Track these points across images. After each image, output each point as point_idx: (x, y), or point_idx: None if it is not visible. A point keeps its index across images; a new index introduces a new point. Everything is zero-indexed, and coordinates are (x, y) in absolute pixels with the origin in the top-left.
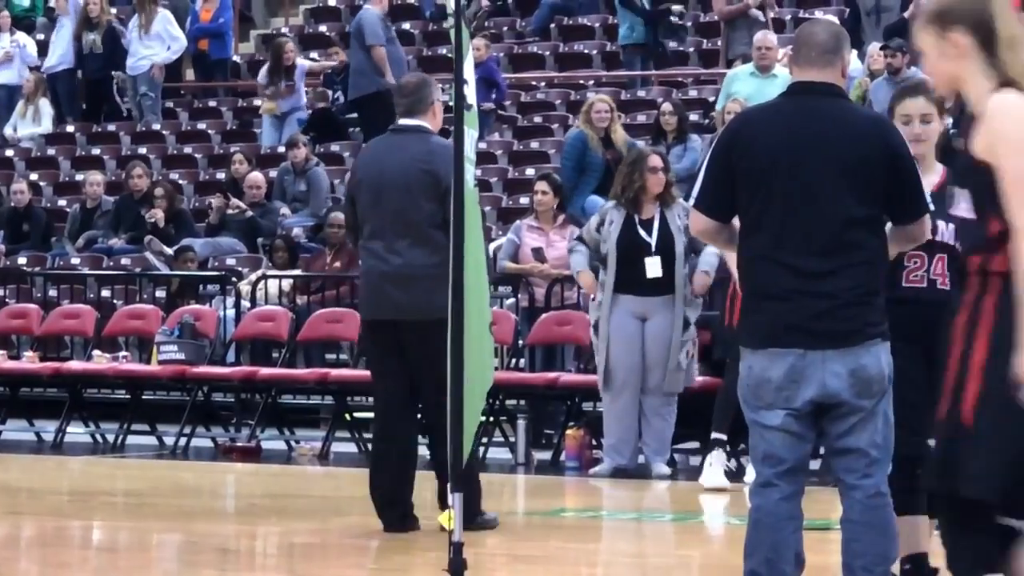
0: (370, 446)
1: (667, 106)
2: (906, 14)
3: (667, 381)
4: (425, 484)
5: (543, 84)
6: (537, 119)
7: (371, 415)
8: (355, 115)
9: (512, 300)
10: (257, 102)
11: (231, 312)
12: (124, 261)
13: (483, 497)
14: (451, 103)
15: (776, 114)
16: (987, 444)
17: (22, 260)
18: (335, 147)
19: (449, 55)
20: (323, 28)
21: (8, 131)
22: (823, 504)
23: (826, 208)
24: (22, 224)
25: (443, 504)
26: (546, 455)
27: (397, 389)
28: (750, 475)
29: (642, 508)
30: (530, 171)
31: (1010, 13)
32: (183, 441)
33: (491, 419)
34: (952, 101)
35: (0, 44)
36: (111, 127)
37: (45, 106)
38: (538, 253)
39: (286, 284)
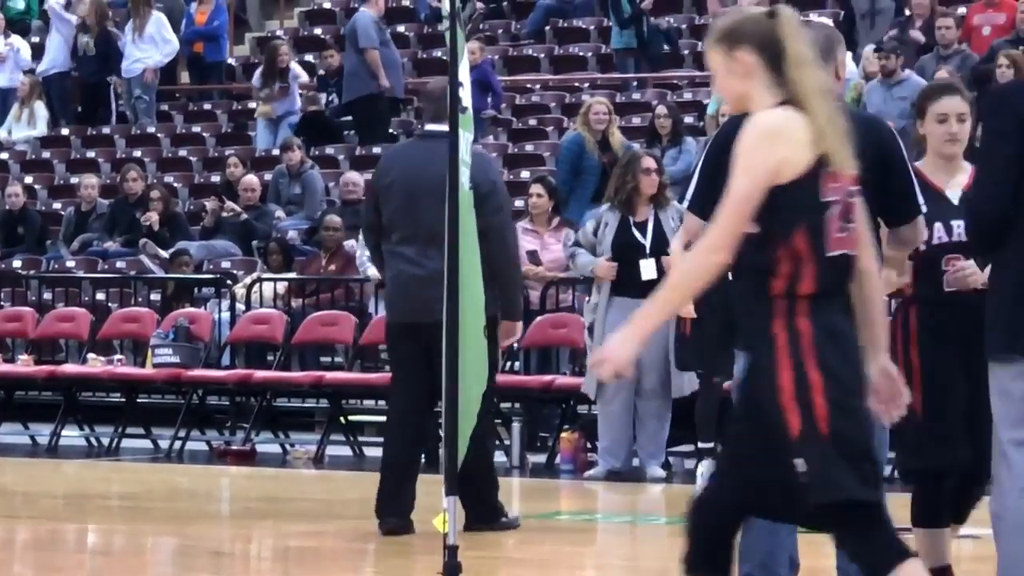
0: (386, 447)
1: (661, 109)
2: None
3: (673, 386)
4: (418, 488)
5: (538, 87)
6: (532, 122)
7: (366, 418)
8: (349, 118)
9: None
10: (252, 105)
11: (226, 315)
12: (119, 264)
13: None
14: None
15: None
16: (849, 448)
17: (17, 263)
18: (330, 150)
19: (444, 58)
20: (318, 31)
21: (3, 134)
22: None
23: None
24: (17, 227)
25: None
26: (541, 458)
27: (421, 393)
28: None
29: (637, 511)
30: (525, 174)
31: (797, 32)
32: (178, 444)
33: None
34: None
35: None
36: (106, 130)
37: (40, 109)
38: (533, 256)
39: (281, 287)
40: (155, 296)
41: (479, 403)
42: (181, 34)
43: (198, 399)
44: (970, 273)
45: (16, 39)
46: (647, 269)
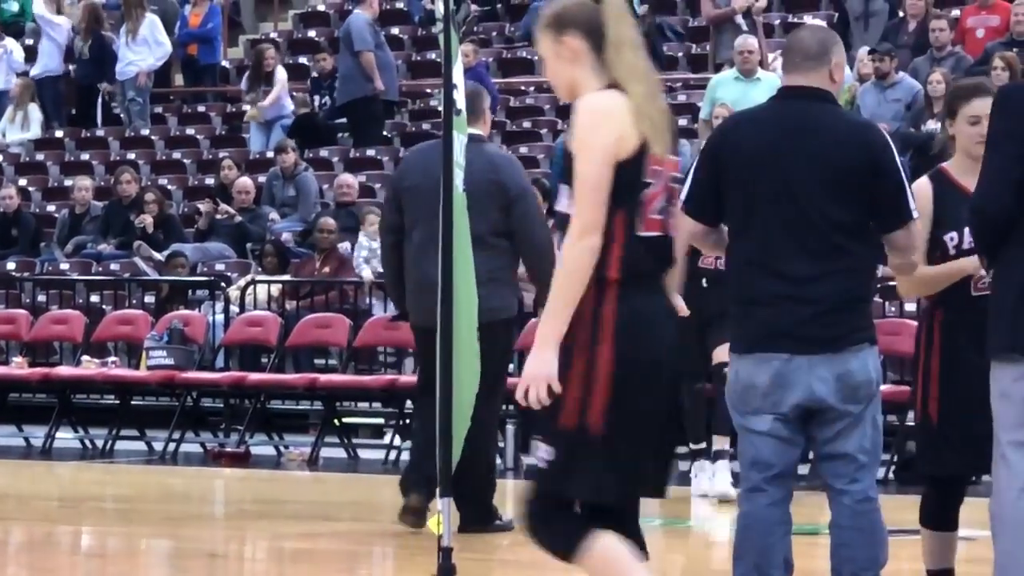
0: (413, 446)
1: None
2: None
3: None
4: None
5: (532, 89)
6: (526, 124)
7: (360, 420)
8: (343, 120)
9: None
10: (245, 107)
11: (220, 317)
12: (113, 267)
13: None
14: (440, 108)
15: (762, 119)
16: (616, 449)
17: (11, 265)
18: (323, 152)
19: (438, 60)
20: (312, 33)
21: None
22: (812, 509)
23: (810, 213)
24: (11, 229)
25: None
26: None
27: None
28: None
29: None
30: None
31: (621, 16)
32: (172, 447)
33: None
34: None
35: None
36: (100, 133)
37: (34, 111)
38: None
39: (275, 289)
40: (149, 298)
41: (472, 405)
42: (175, 36)
43: (192, 401)
44: None
45: (10, 41)
46: None
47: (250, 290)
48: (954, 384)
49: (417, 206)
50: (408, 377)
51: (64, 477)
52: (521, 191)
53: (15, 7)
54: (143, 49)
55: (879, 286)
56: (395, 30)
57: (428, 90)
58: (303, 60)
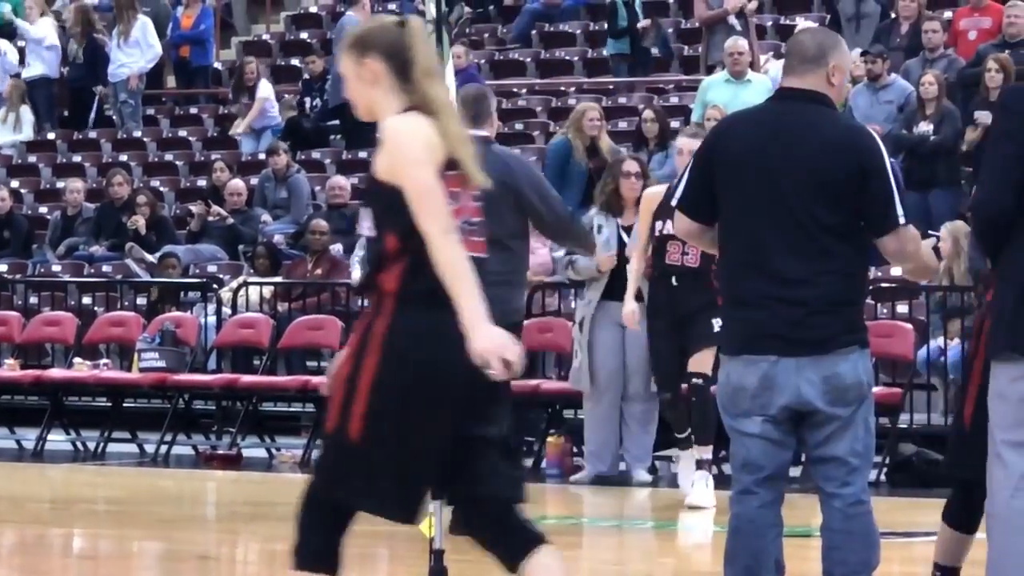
0: None
1: (648, 113)
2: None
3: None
4: None
5: (524, 91)
6: (518, 126)
7: None
8: (335, 122)
9: None
10: (231, 95)
11: (212, 319)
12: (105, 268)
13: None
14: None
15: (755, 120)
16: (371, 459)
17: (2, 267)
18: (316, 154)
19: None
20: (304, 35)
21: None
22: (803, 511)
23: (799, 216)
24: (3, 231)
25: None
26: (527, 462)
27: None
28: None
29: (623, 515)
30: None
31: (424, 42)
32: (164, 449)
33: None
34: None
35: None
36: (92, 134)
37: (26, 113)
38: None
39: (267, 291)
40: (141, 300)
41: None
42: (167, 38)
43: (184, 403)
44: None
45: (3, 43)
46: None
47: (242, 292)
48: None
49: None
50: None
51: (56, 479)
52: (535, 189)
53: (7, 8)
54: (135, 51)
55: (871, 288)
56: None
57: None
58: (295, 61)
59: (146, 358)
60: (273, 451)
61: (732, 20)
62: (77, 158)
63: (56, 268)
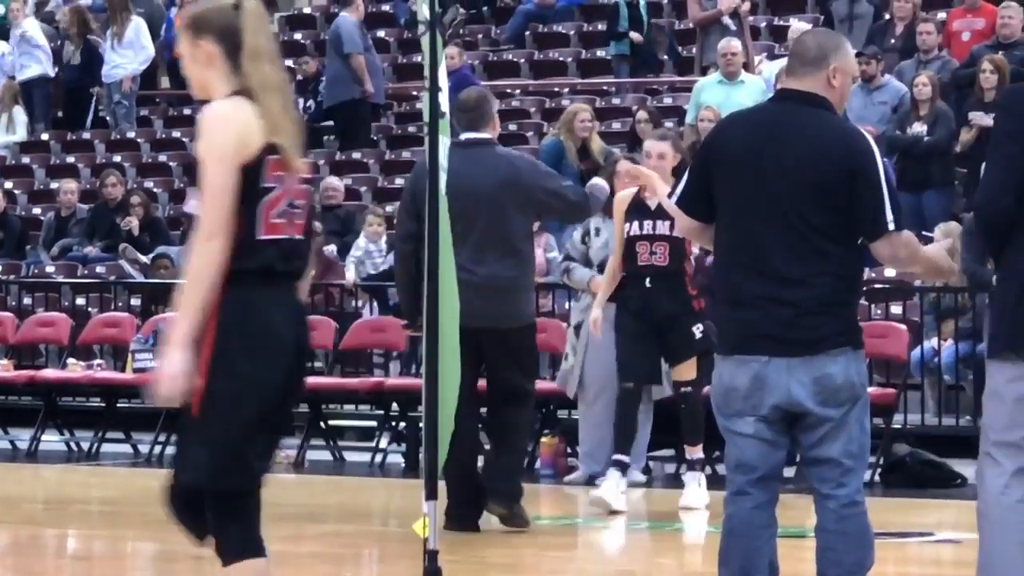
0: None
1: (642, 113)
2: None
3: (653, 389)
4: (398, 493)
5: (518, 92)
6: (512, 127)
7: (346, 423)
8: (329, 123)
9: None
10: None
11: None
12: (99, 269)
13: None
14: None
15: (752, 120)
16: (204, 435)
17: None
18: (309, 155)
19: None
20: (298, 36)
21: None
22: (798, 512)
23: (791, 217)
24: None
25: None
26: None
27: (466, 397)
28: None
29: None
30: None
31: (258, 25)
32: (158, 449)
33: None
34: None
35: None
36: (86, 135)
37: (19, 114)
38: None
39: None
40: (135, 301)
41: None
42: (161, 38)
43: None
44: None
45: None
46: None
47: None
48: None
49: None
50: (394, 379)
51: (50, 480)
52: (543, 189)
53: (1, 9)
54: (129, 52)
55: (865, 288)
56: (381, 33)
57: (414, 92)
58: (289, 63)
59: (140, 359)
60: None
61: (726, 21)
62: (71, 159)
63: (50, 269)
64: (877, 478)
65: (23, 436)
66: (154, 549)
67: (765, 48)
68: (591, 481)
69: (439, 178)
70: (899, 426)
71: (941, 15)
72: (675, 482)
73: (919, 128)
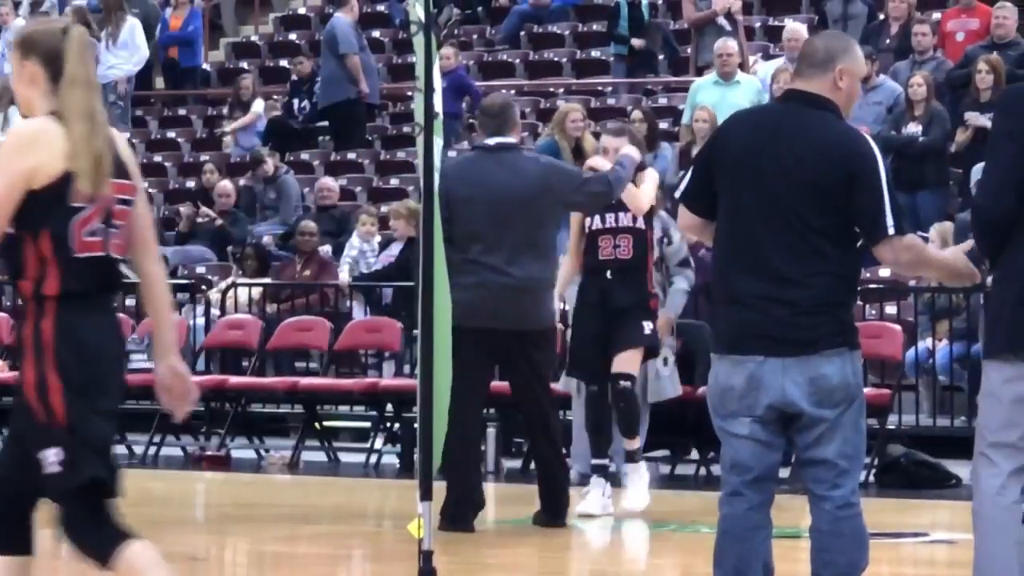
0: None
1: (637, 114)
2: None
3: (651, 390)
4: (393, 493)
5: (513, 92)
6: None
7: (341, 424)
8: (324, 123)
9: None
10: (227, 111)
11: (201, 321)
12: None
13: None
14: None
15: (755, 120)
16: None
17: None
18: (304, 155)
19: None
20: (293, 36)
21: None
22: (792, 512)
23: (789, 217)
24: None
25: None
26: (516, 463)
27: (482, 399)
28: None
29: (613, 516)
30: None
31: (80, 52)
32: (153, 450)
33: None
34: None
35: None
36: None
37: (14, 114)
38: None
39: (256, 292)
40: (130, 302)
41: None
42: (156, 39)
43: None
44: None
45: None
46: None
47: (231, 293)
48: None
49: (475, 216)
50: (389, 380)
51: None
52: (573, 188)
53: None
54: (123, 53)
55: (859, 289)
56: (376, 33)
57: (409, 93)
58: (284, 63)
59: (135, 359)
60: (262, 452)
61: (721, 21)
62: None
63: None
64: (872, 478)
65: None
66: None
67: (760, 48)
68: (584, 481)
69: (433, 179)
70: (894, 427)
71: (936, 15)
72: (670, 483)
73: (914, 128)
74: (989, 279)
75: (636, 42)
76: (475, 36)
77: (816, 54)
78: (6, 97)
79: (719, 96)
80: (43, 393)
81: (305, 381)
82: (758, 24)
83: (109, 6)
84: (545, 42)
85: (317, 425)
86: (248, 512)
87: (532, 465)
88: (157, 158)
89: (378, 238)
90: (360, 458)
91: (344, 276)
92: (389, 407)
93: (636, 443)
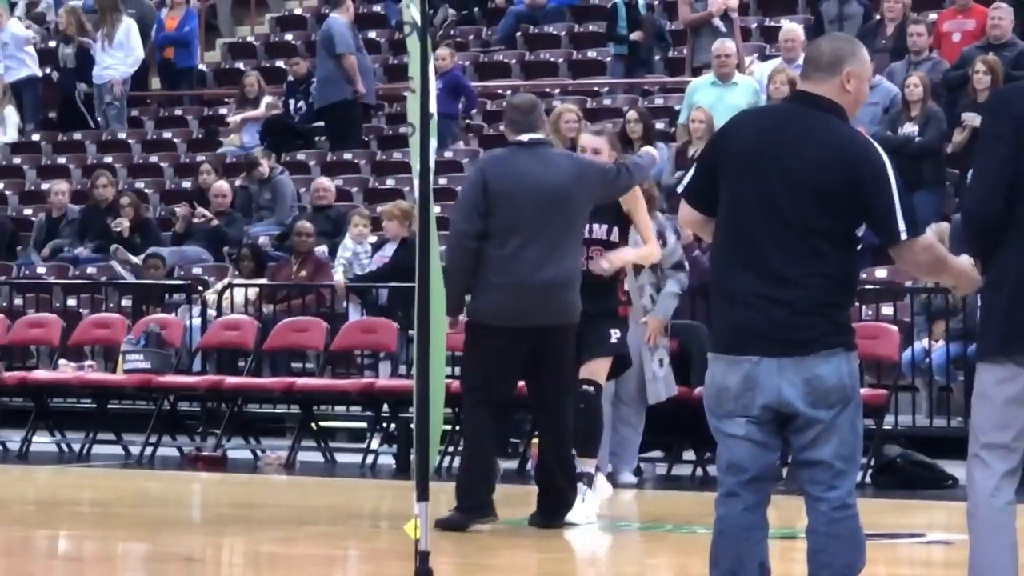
0: (467, 447)
1: (632, 114)
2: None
3: (648, 392)
4: (389, 494)
5: (509, 93)
6: (503, 128)
7: (337, 424)
8: (320, 123)
9: None
10: (223, 111)
11: (197, 321)
12: (90, 270)
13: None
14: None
15: (760, 120)
16: None
17: None
18: (300, 156)
19: None
20: (289, 36)
21: None
22: (788, 512)
23: (789, 218)
24: None
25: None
26: (512, 464)
27: (511, 395)
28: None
29: (609, 516)
30: None
31: None
32: (149, 450)
33: (458, 428)
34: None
35: None
36: (77, 136)
37: (11, 115)
38: None
39: (252, 293)
40: (126, 302)
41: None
42: (152, 40)
43: (169, 405)
44: None
45: None
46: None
47: (227, 294)
48: None
49: (516, 211)
50: (385, 380)
51: (41, 481)
52: (603, 182)
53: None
54: (119, 53)
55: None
56: (372, 34)
57: (405, 93)
58: (280, 63)
59: (131, 360)
60: (258, 453)
61: (716, 22)
62: (62, 160)
63: (41, 270)
64: (868, 479)
65: (14, 437)
66: (145, 550)
67: (756, 49)
68: (581, 479)
69: (429, 181)
70: (890, 427)
71: (932, 16)
72: (666, 483)
73: (910, 129)
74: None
75: (634, 35)
76: (471, 37)
77: (823, 57)
78: (5, 97)
79: (716, 97)
80: None
81: (301, 382)
82: (754, 25)
83: (105, 7)
84: (541, 43)
85: (313, 425)
86: (244, 512)
87: (528, 465)
88: (153, 158)
89: (372, 239)
90: (356, 458)
91: (339, 277)
92: (385, 407)
93: (590, 464)
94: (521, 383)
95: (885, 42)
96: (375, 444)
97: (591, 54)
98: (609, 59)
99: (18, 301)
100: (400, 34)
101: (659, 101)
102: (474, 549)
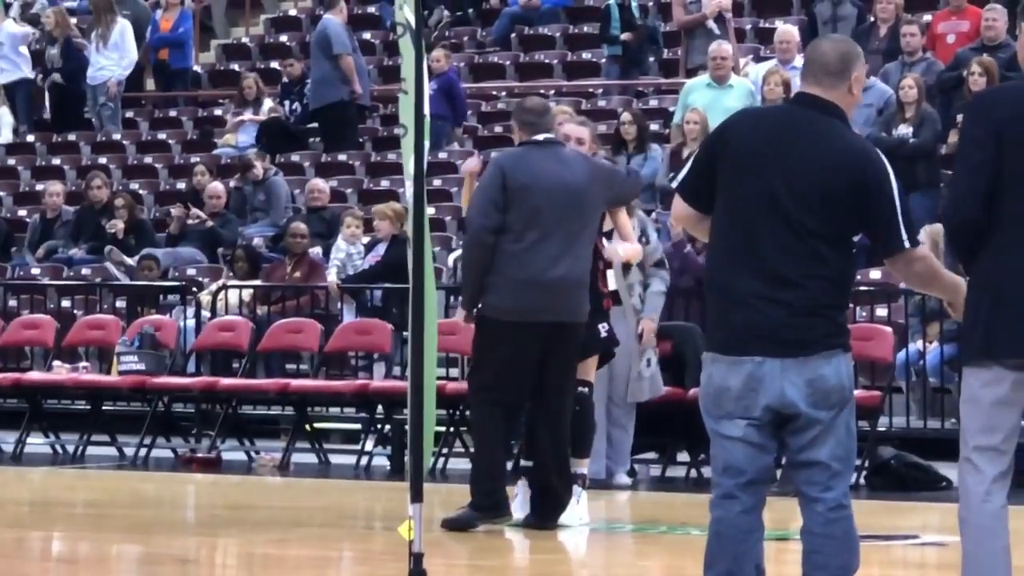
0: (480, 447)
1: (626, 115)
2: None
3: (629, 391)
4: (383, 495)
5: (503, 94)
6: (498, 129)
7: (331, 426)
8: (314, 125)
9: None
10: (218, 112)
11: (191, 322)
12: (84, 271)
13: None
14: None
15: (762, 121)
16: None
17: None
18: (295, 157)
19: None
20: (283, 38)
21: None
22: (781, 514)
23: (789, 220)
24: None
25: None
26: (508, 465)
27: (526, 392)
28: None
29: (603, 518)
30: None
31: None
32: (143, 452)
33: (452, 429)
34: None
35: None
36: (71, 137)
37: (5, 115)
38: None
39: (246, 294)
40: (120, 303)
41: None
42: (147, 41)
43: (163, 406)
44: None
45: None
46: (609, 279)
47: (221, 295)
48: None
49: (535, 208)
50: (379, 382)
51: (35, 482)
52: (618, 181)
53: None
54: (114, 55)
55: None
56: (366, 35)
57: (399, 95)
58: (275, 64)
59: (125, 361)
60: (252, 454)
61: (710, 24)
62: (56, 161)
63: (35, 271)
64: (862, 481)
65: (8, 439)
66: (139, 552)
67: (751, 50)
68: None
69: (423, 182)
70: (884, 429)
71: (926, 17)
72: (660, 485)
73: (904, 130)
74: None
75: (625, 36)
76: (466, 38)
77: (832, 63)
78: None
79: (711, 98)
80: None
81: (296, 383)
82: (748, 26)
83: (99, 8)
84: (536, 44)
85: (308, 427)
86: (238, 514)
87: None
88: (148, 160)
89: (364, 239)
90: (351, 460)
91: (332, 278)
92: (379, 409)
93: (583, 465)
94: None
95: (878, 43)
96: (369, 445)
97: (585, 55)
98: (603, 60)
99: (12, 302)
100: (395, 35)
101: (653, 102)
102: (468, 550)
